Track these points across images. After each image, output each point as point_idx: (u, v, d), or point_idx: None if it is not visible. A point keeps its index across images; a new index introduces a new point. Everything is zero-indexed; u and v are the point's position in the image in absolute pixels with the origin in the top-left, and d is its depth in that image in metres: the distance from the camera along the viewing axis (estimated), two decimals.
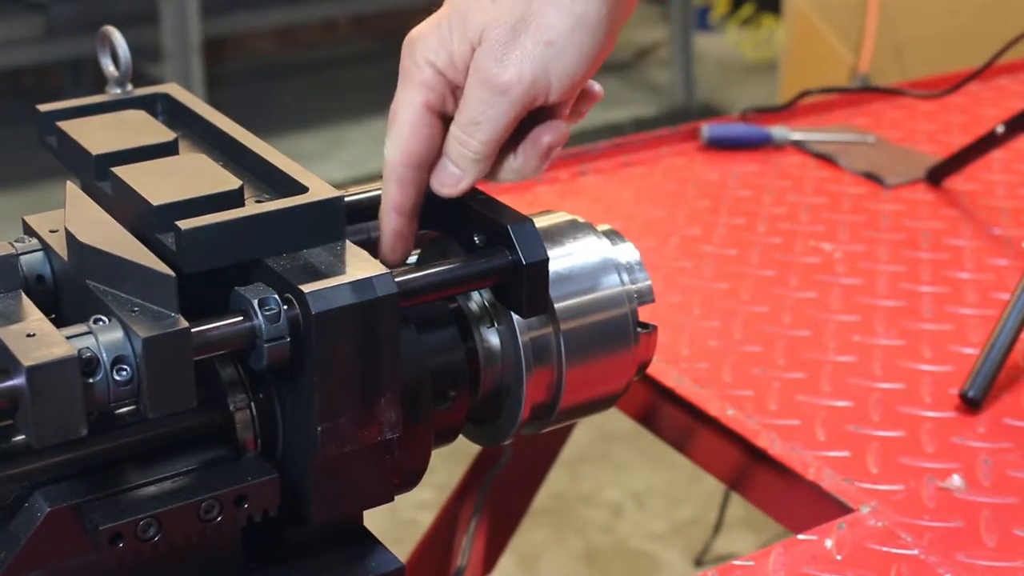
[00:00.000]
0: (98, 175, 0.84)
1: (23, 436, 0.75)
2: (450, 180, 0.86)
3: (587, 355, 0.88)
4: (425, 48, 0.85)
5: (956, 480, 1.11)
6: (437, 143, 0.86)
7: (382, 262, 0.80)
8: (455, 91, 0.86)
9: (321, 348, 0.75)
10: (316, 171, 0.83)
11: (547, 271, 0.83)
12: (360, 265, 0.77)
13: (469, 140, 0.85)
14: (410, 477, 0.86)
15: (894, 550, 1.03)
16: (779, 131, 1.80)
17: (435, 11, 0.86)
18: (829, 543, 1.03)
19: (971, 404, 1.20)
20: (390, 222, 0.87)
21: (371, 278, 0.76)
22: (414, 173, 0.86)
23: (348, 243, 0.80)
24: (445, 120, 0.86)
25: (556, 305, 0.86)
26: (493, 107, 0.83)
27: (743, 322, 1.36)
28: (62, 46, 4.60)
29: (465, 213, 0.85)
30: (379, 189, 0.90)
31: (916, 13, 3.35)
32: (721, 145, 1.79)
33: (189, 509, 0.75)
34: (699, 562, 2.71)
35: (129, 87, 0.94)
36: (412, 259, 0.90)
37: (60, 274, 0.82)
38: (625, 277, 0.90)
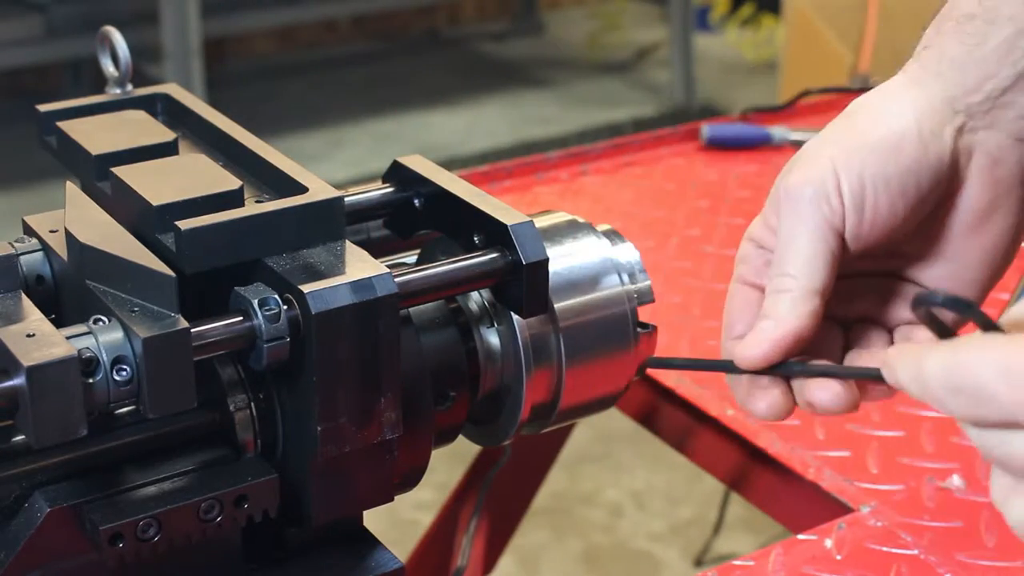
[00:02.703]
0: (98, 175, 0.84)
1: (23, 436, 0.75)
2: (756, 337, 0.76)
3: (587, 355, 0.88)
4: (750, 228, 0.82)
5: (956, 480, 1.11)
6: (754, 312, 0.80)
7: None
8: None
9: (321, 348, 0.75)
10: (316, 171, 0.83)
11: (547, 271, 0.83)
12: (360, 265, 0.77)
13: (781, 278, 0.76)
14: (410, 477, 0.86)
15: (894, 550, 1.03)
16: (779, 131, 1.79)
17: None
18: (829, 543, 1.03)
19: None
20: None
21: (371, 278, 0.76)
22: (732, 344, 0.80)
23: (348, 243, 0.80)
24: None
25: (556, 305, 0.86)
26: (788, 219, 0.77)
27: None
28: (62, 46, 4.61)
29: (465, 213, 0.85)
30: (379, 188, 0.90)
31: (915, 13, 3.34)
32: (721, 145, 1.79)
33: (189, 509, 0.75)
34: (699, 562, 2.71)
35: (129, 87, 0.94)
36: (411, 259, 0.90)
37: (60, 274, 0.82)
38: (625, 277, 0.90)
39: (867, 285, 0.84)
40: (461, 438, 0.92)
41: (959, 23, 0.80)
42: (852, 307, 0.83)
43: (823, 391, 0.76)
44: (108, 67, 0.93)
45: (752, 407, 0.78)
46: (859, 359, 0.81)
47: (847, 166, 0.77)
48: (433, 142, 4.59)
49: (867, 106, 0.80)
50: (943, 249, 0.81)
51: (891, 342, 0.83)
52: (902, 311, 0.83)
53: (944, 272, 0.82)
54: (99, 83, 0.94)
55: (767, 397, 0.78)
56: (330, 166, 4.43)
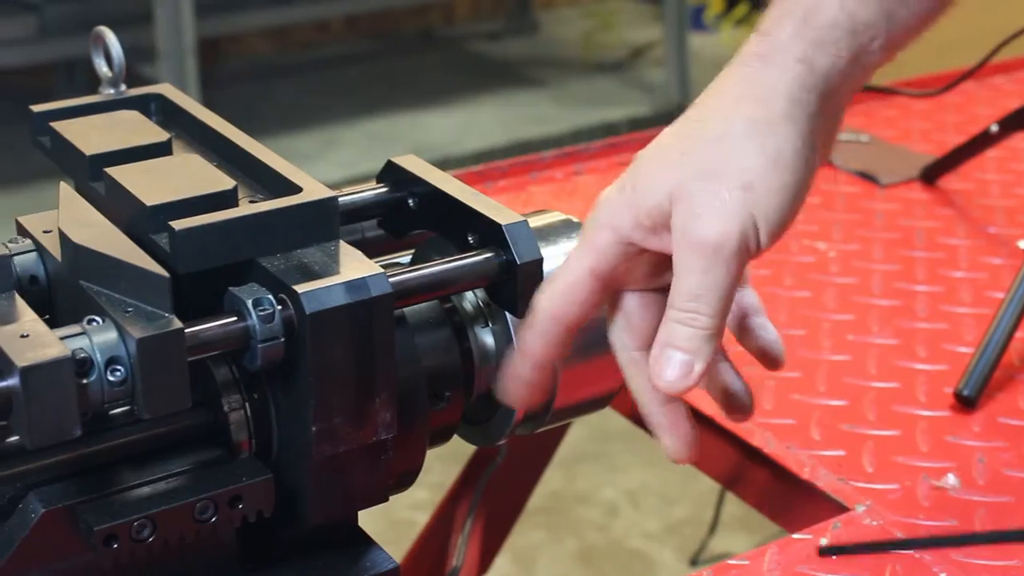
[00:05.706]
0: (92, 176, 0.84)
1: (17, 437, 0.74)
2: (679, 370, 0.77)
3: (581, 355, 0.88)
4: (608, 211, 0.79)
5: (951, 479, 1.11)
6: (588, 311, 0.80)
7: (502, 401, 0.82)
8: (633, 260, 0.80)
9: (315, 348, 0.75)
10: (311, 171, 0.83)
11: (541, 271, 0.83)
12: (354, 265, 0.77)
13: (696, 316, 0.76)
14: (405, 477, 0.86)
15: (889, 549, 1.03)
16: None
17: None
18: (824, 542, 1.03)
19: (966, 403, 1.20)
20: (522, 370, 0.82)
21: (365, 278, 0.76)
22: (559, 332, 0.80)
23: (342, 243, 0.80)
24: (606, 292, 0.81)
25: None
26: (710, 272, 0.76)
27: None
28: (55, 46, 4.60)
29: (459, 213, 0.85)
30: (372, 188, 0.89)
31: None
32: None
33: (184, 510, 0.74)
34: (694, 561, 2.71)
35: (123, 87, 0.94)
36: (405, 259, 0.90)
37: (54, 275, 0.82)
38: None
39: None
40: (456, 438, 0.92)
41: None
42: None
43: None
44: (102, 67, 0.93)
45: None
46: None
47: (765, 218, 0.79)
48: (427, 142, 4.59)
49: (752, 139, 0.79)
50: None
51: None
52: None
53: None
54: (93, 83, 0.94)
55: None
56: (324, 166, 4.42)
